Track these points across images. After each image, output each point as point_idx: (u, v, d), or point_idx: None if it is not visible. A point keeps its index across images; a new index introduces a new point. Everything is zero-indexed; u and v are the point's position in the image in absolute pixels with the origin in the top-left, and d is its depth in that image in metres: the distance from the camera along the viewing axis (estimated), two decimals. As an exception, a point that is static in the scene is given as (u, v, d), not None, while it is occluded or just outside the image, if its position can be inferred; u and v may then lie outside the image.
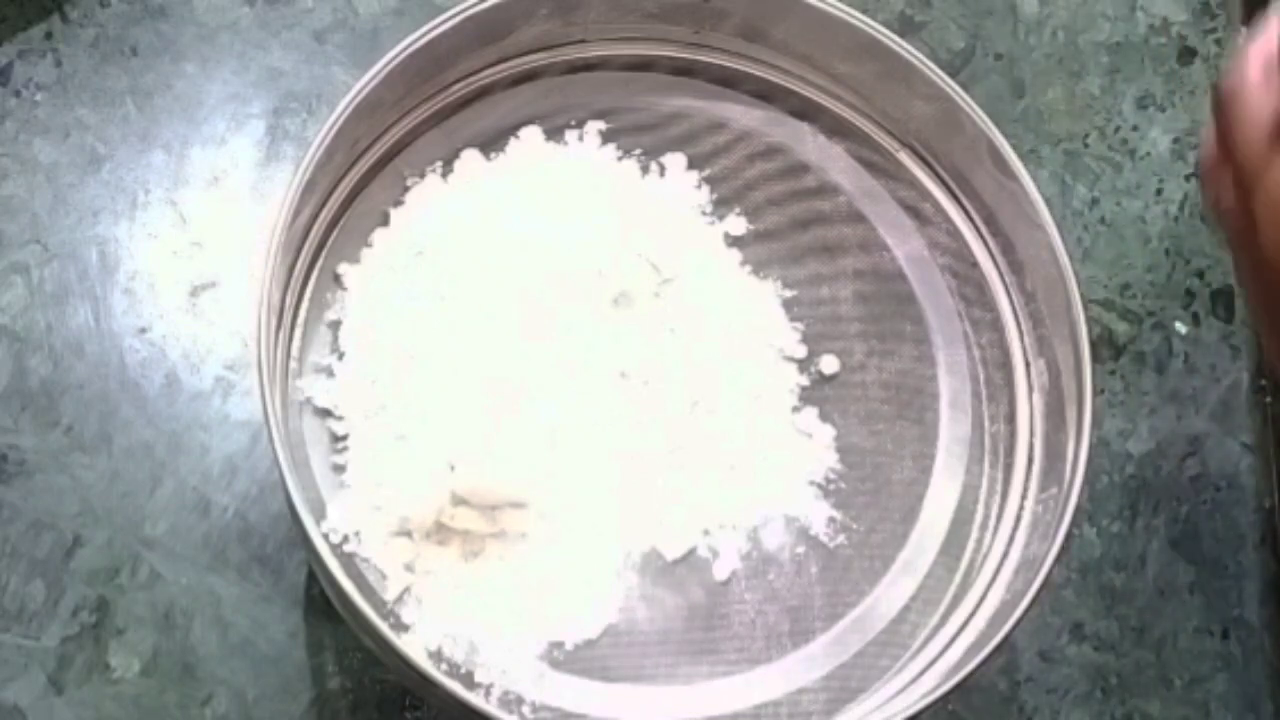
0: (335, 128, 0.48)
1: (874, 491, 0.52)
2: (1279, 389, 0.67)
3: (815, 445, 0.53)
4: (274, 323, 0.47)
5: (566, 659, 0.49)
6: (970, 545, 0.52)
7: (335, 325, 0.51)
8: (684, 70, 0.56)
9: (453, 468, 0.49)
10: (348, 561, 0.48)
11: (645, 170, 0.55)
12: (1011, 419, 0.53)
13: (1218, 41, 0.72)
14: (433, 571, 0.49)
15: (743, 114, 0.56)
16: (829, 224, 0.56)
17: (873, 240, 0.56)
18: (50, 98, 0.63)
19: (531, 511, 0.49)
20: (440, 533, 0.49)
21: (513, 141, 0.55)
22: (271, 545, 0.58)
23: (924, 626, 0.51)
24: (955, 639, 0.50)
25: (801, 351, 0.54)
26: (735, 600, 0.51)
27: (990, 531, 0.52)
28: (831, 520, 0.52)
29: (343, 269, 0.52)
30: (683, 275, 0.54)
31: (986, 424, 0.54)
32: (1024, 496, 0.52)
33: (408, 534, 0.49)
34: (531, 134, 0.55)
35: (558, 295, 0.52)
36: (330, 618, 0.57)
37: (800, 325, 0.54)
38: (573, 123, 0.55)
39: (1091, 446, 0.48)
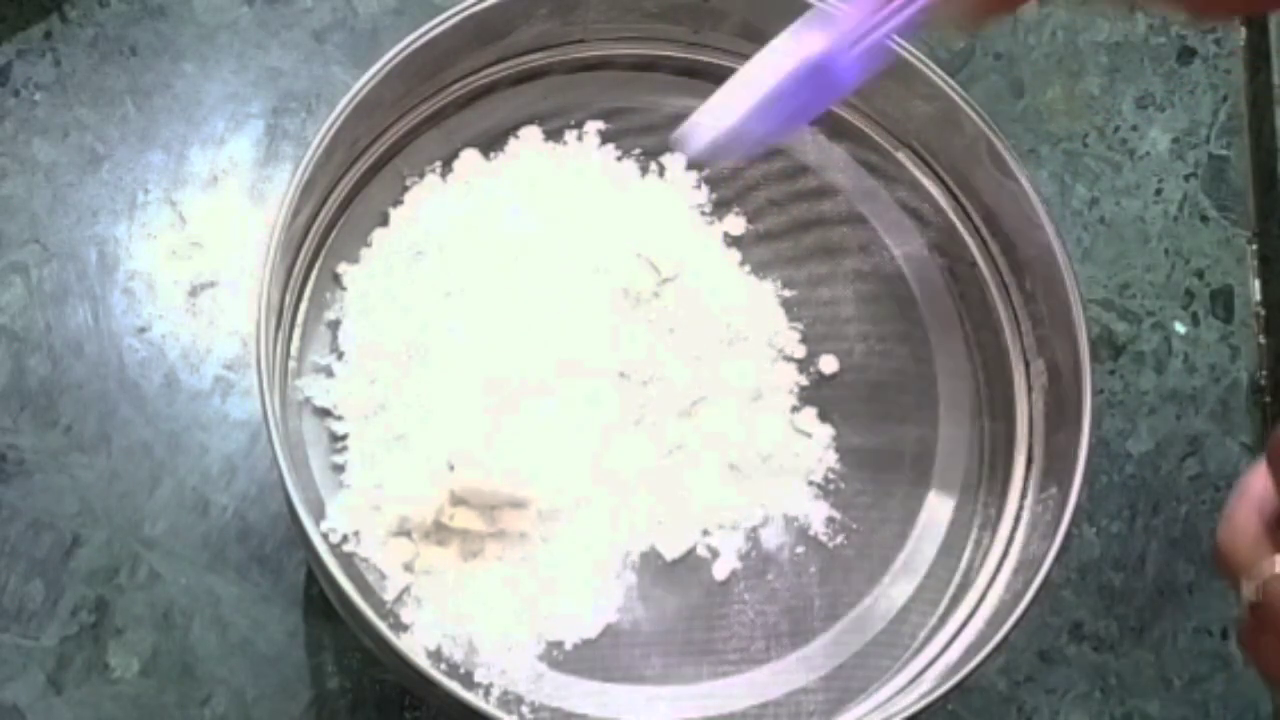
0: (335, 128, 0.48)
1: (873, 491, 0.52)
2: (1279, 389, 0.67)
3: (815, 445, 0.53)
4: (273, 322, 0.47)
5: (566, 659, 0.49)
6: (970, 545, 0.52)
7: (334, 325, 0.51)
8: (685, 71, 0.56)
9: (452, 468, 0.49)
10: (347, 561, 0.48)
11: (645, 170, 0.55)
12: (1011, 419, 0.53)
13: (1217, 41, 0.72)
14: (432, 571, 0.49)
15: (742, 114, 0.56)
16: (829, 225, 0.56)
17: (872, 241, 0.56)
18: (49, 97, 0.63)
19: (531, 511, 0.49)
20: (440, 533, 0.49)
21: (512, 141, 0.55)
22: (271, 545, 0.58)
23: (924, 626, 0.51)
24: (955, 639, 0.50)
25: (801, 351, 0.54)
26: (735, 600, 0.51)
27: (990, 531, 0.52)
28: (831, 520, 0.52)
29: (342, 269, 0.52)
30: (683, 275, 0.54)
31: (986, 425, 0.54)
32: (1024, 496, 0.52)
33: (407, 534, 0.49)
34: (531, 134, 0.55)
35: (557, 295, 0.52)
36: (330, 618, 0.57)
37: (800, 325, 0.54)
38: (572, 123, 0.55)
39: (1091, 446, 0.48)
